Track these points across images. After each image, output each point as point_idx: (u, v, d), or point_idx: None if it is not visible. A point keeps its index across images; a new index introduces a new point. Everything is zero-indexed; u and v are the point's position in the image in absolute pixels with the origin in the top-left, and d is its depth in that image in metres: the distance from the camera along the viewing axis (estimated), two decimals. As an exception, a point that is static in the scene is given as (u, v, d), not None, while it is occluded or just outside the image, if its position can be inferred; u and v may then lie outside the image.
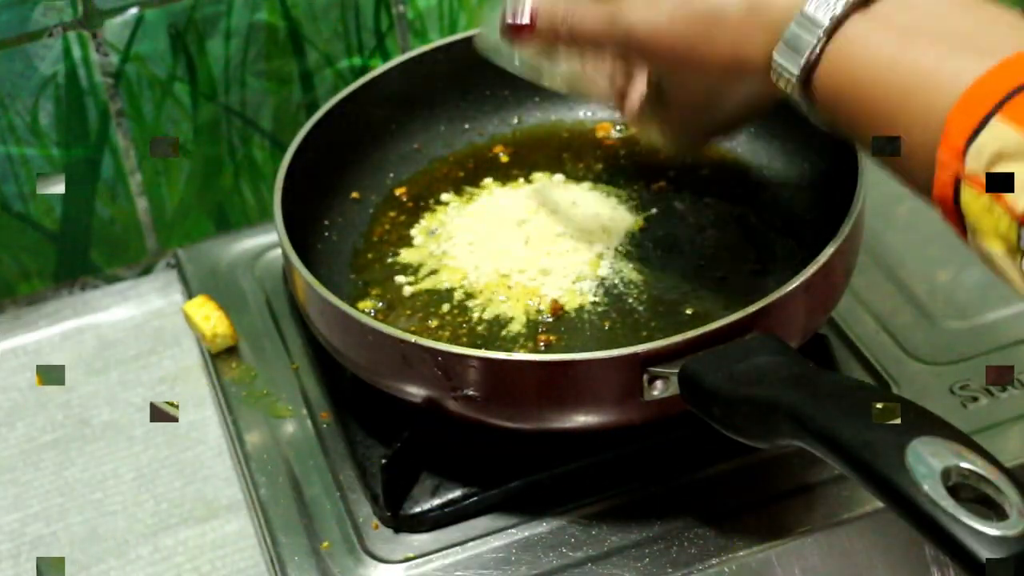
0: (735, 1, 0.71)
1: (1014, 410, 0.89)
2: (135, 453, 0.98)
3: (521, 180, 1.00)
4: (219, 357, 0.96)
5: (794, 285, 0.79)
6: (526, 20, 0.80)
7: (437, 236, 0.96)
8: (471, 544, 0.84)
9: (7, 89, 0.99)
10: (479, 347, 0.86)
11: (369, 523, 0.85)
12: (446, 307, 0.91)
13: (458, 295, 0.91)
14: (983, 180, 0.61)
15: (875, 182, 0.97)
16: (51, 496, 0.96)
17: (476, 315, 0.90)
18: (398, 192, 1.00)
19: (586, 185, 0.99)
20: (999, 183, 0.61)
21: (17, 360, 1.05)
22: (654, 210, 0.96)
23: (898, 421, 0.64)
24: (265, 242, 1.05)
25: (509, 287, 0.91)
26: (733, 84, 0.77)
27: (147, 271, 1.10)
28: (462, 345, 0.86)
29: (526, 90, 1.03)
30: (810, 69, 0.69)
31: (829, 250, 0.81)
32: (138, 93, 1.02)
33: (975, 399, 0.89)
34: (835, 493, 0.84)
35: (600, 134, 1.03)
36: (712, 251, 0.93)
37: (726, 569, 0.81)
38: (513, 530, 0.84)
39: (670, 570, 0.81)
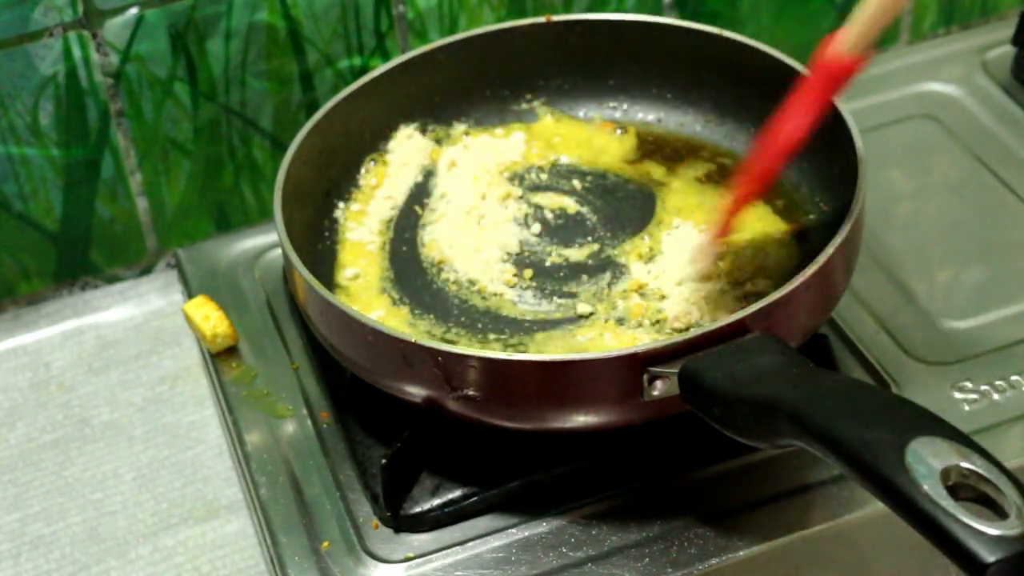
0: None
1: (1014, 410, 0.89)
2: (135, 453, 0.98)
3: (520, 180, 1.00)
4: (219, 357, 0.96)
5: (794, 285, 0.79)
6: None
7: (437, 237, 0.96)
8: (471, 544, 0.84)
9: (7, 89, 0.99)
10: (479, 346, 0.86)
11: (369, 523, 0.85)
12: (446, 304, 0.91)
13: (457, 294, 0.91)
14: None
15: (875, 182, 0.98)
16: (51, 496, 0.96)
17: (476, 314, 0.90)
18: (398, 192, 1.00)
19: (586, 186, 0.99)
20: None
21: (17, 360, 1.05)
22: (656, 209, 0.96)
23: (898, 421, 0.64)
24: (265, 242, 1.05)
25: (509, 288, 0.91)
26: None
27: (147, 271, 1.10)
28: (462, 342, 0.87)
29: (526, 90, 1.04)
30: None
31: (829, 250, 0.81)
32: (138, 93, 1.02)
33: (975, 399, 0.89)
34: (835, 493, 0.84)
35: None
36: (712, 251, 0.93)
37: (726, 569, 0.81)
38: (513, 530, 0.84)
39: (670, 570, 0.81)
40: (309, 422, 0.91)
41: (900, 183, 1.05)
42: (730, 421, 0.73)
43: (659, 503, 0.84)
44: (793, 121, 0.83)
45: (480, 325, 0.89)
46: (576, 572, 0.81)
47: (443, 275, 0.93)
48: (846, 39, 0.81)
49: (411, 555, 0.83)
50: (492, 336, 0.88)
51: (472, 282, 0.92)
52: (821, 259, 0.81)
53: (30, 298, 1.08)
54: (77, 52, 0.99)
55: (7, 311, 1.07)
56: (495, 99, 1.03)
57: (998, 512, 0.60)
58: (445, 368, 0.78)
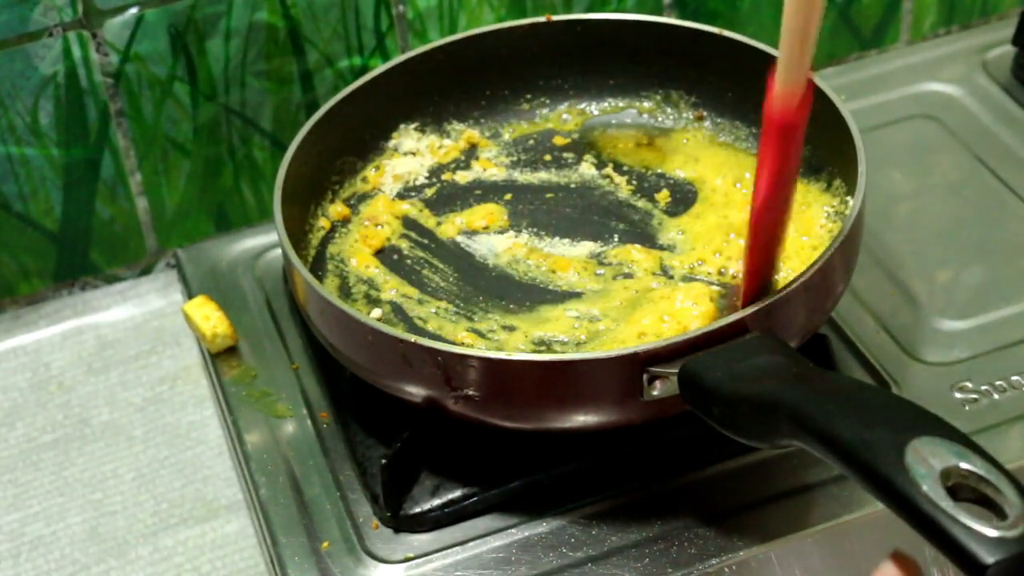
0: None
1: (1014, 410, 0.89)
2: (135, 453, 0.98)
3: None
4: (219, 357, 0.96)
5: (794, 285, 0.79)
6: None
7: (436, 238, 0.96)
8: (471, 544, 0.84)
9: (7, 89, 0.99)
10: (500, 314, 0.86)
11: (369, 523, 0.85)
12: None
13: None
14: None
15: (875, 182, 0.98)
16: (51, 496, 0.96)
17: (477, 313, 0.90)
18: (398, 192, 1.00)
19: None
20: None
21: (17, 360, 1.05)
22: (657, 208, 0.96)
23: (898, 421, 0.64)
24: (265, 242, 1.05)
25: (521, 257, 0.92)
26: None
27: (147, 271, 1.10)
28: (461, 342, 0.87)
29: (526, 90, 1.04)
30: None
31: (829, 250, 0.81)
32: (138, 93, 1.02)
33: (975, 399, 0.89)
34: (835, 493, 0.84)
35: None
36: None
37: (726, 569, 0.81)
38: (513, 530, 0.84)
39: (670, 570, 0.81)
40: (309, 422, 0.91)
41: (900, 183, 1.05)
42: (730, 421, 0.73)
43: (659, 503, 0.84)
44: (759, 194, 0.77)
45: (492, 296, 0.90)
46: (576, 572, 0.81)
47: (443, 275, 0.93)
48: (780, 79, 0.72)
49: (411, 555, 0.83)
50: (508, 303, 0.89)
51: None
52: (821, 259, 0.81)
53: (30, 298, 1.08)
54: (77, 52, 0.99)
55: (7, 311, 1.07)
56: (495, 99, 1.03)
57: (997, 513, 0.60)
58: (445, 368, 0.78)
